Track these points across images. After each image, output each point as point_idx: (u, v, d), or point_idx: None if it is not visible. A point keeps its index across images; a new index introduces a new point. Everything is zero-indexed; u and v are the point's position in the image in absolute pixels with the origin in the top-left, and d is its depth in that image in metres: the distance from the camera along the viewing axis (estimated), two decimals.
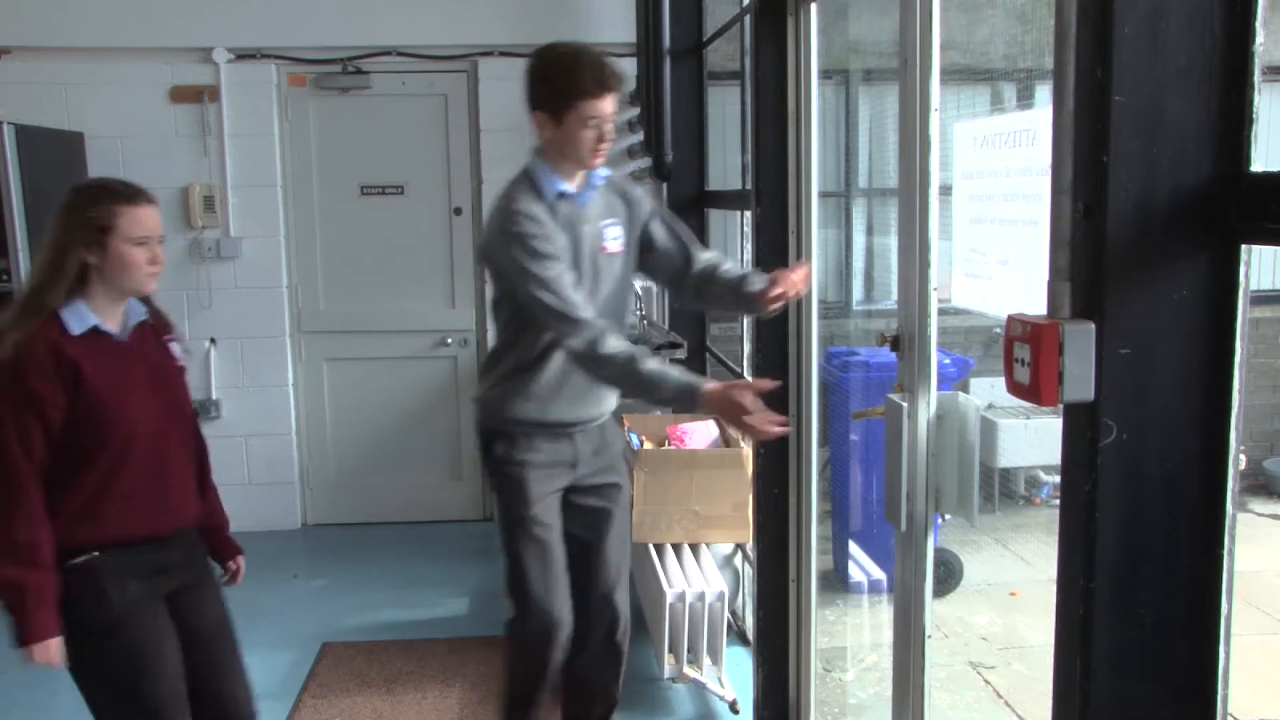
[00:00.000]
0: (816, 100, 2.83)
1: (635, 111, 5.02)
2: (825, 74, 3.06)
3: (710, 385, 2.34)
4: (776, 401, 2.63)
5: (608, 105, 2.43)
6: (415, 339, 5.35)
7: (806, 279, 2.54)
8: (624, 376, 2.42)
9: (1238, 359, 1.33)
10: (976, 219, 2.66)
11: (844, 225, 4.87)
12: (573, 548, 2.71)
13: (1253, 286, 1.33)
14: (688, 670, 3.30)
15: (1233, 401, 1.33)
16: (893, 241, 2.45)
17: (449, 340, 5.36)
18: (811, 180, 2.86)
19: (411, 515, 5.42)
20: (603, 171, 2.57)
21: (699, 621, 3.26)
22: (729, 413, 2.30)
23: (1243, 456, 1.39)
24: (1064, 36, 1.33)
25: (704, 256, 2.68)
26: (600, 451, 2.73)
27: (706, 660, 3.32)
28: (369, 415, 5.41)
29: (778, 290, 2.46)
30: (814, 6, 2.78)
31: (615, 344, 2.41)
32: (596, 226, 2.55)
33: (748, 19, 3.17)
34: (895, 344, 2.17)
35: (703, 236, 4.55)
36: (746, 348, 3.93)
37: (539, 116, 2.47)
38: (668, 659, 3.29)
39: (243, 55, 5.04)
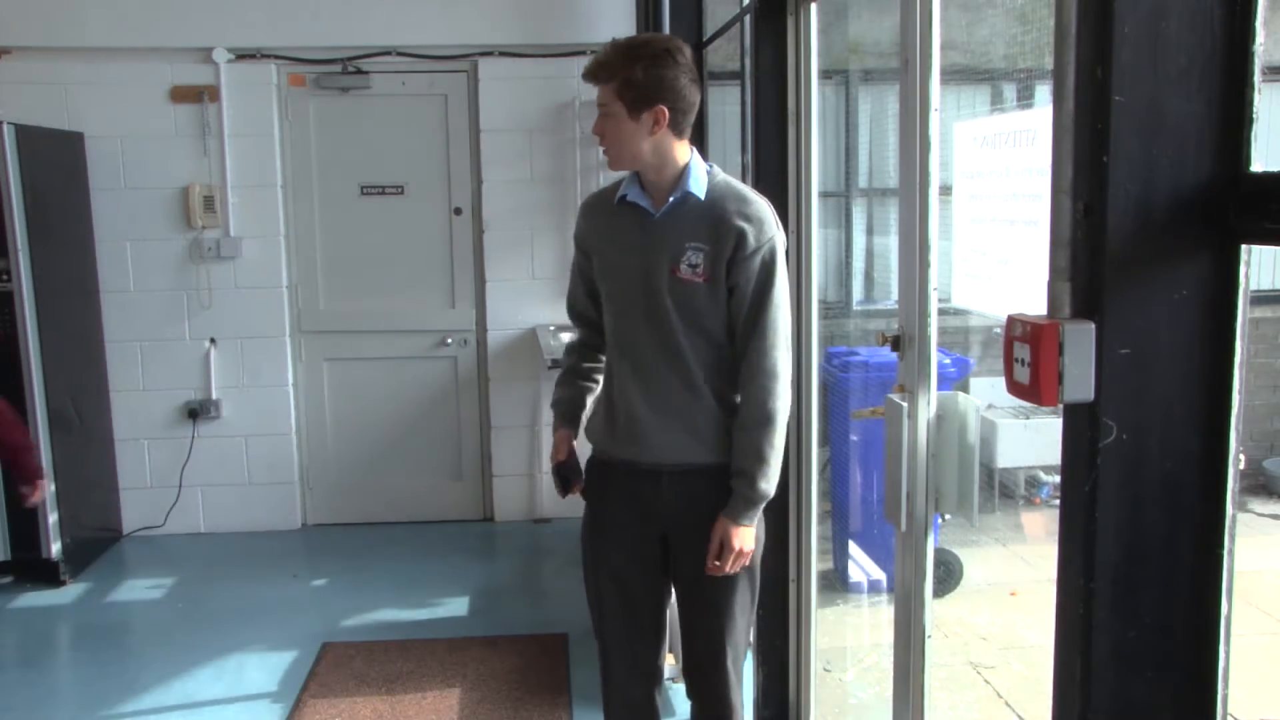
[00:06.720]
0: (816, 100, 2.84)
1: None
2: (825, 74, 3.06)
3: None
4: None
5: (599, 94, 2.20)
6: (415, 339, 5.35)
7: None
8: None
9: (1238, 359, 1.32)
10: (976, 219, 2.66)
11: (844, 225, 4.86)
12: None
13: (1253, 286, 1.33)
14: None
15: (1233, 401, 1.33)
16: (893, 241, 2.45)
17: (449, 340, 5.36)
18: (811, 180, 2.86)
19: (411, 515, 5.42)
20: (699, 186, 2.23)
21: None
22: None
23: (1242, 456, 1.39)
24: (1064, 36, 1.33)
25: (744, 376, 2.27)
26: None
27: None
28: (369, 415, 5.41)
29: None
30: (814, 6, 2.78)
31: (569, 347, 2.50)
32: (677, 245, 2.22)
33: (748, 19, 3.16)
34: (895, 344, 2.17)
35: None
36: None
37: None
38: (668, 659, 3.28)
39: (243, 55, 5.04)
